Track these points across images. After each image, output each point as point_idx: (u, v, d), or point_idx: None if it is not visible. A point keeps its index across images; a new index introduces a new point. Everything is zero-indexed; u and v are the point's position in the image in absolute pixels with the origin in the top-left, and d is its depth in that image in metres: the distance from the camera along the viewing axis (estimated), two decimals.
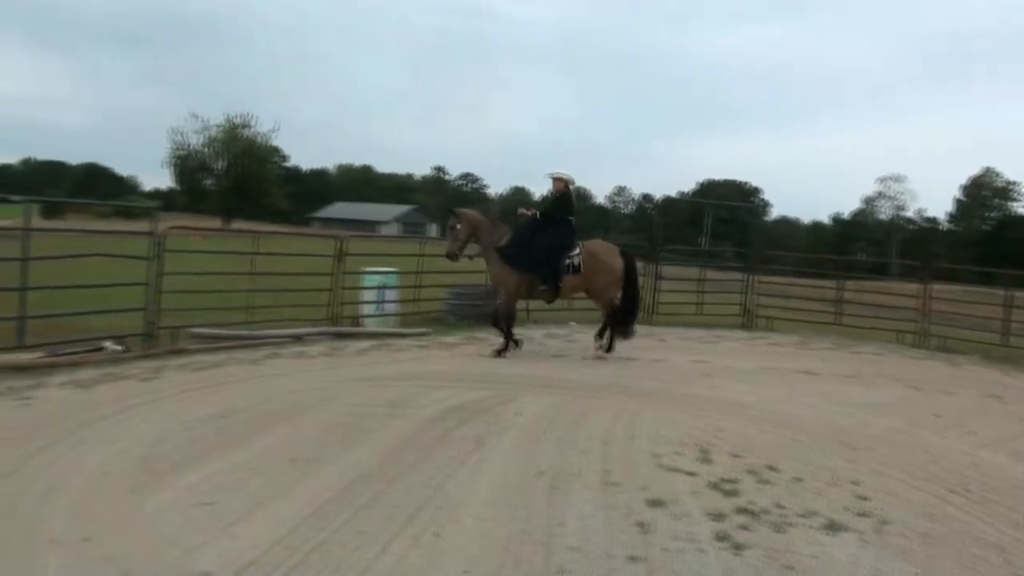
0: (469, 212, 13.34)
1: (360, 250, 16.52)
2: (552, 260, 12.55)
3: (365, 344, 13.27)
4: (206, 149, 73.46)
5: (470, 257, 13.28)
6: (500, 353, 12.59)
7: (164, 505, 5.71)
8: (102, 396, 8.85)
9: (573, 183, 13.16)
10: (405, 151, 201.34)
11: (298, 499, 5.92)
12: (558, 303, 13.98)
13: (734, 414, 9.40)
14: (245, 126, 74.11)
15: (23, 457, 6.60)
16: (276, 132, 76.32)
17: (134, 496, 5.87)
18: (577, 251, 12.75)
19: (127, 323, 11.90)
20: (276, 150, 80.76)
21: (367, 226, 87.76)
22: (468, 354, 12.94)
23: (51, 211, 60.87)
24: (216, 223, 59.95)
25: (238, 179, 72.49)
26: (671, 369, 12.39)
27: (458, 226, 12.91)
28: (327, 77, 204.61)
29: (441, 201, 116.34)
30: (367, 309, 15.50)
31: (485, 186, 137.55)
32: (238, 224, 60.03)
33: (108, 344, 11.28)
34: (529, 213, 13.17)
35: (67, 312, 11.81)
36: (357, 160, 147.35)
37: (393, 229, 79.63)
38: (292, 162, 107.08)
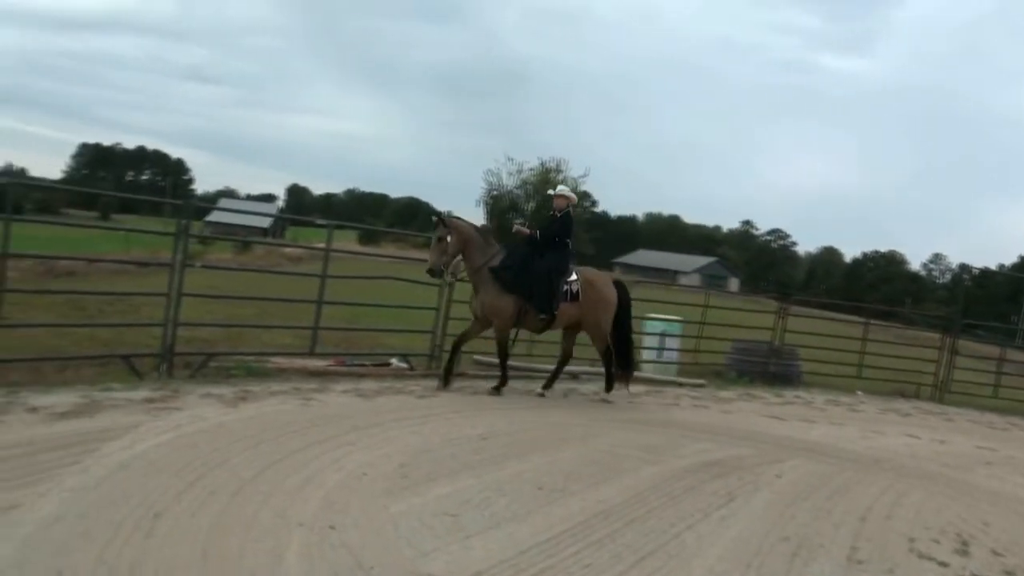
0: (461, 223, 11.32)
1: (645, 296, 16.71)
2: (552, 286, 11.25)
3: (639, 388, 13.30)
4: (518, 191, 77.47)
5: (455, 276, 11.86)
6: (497, 390, 11.46)
7: (410, 510, 6.08)
8: (379, 406, 9.59)
9: (575, 203, 12.09)
10: (713, 203, 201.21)
11: (536, 524, 6.10)
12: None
13: (1007, 509, 8.54)
14: (557, 171, 77.19)
15: (293, 450, 7.29)
16: (585, 178, 78.77)
17: (384, 498, 6.30)
18: (574, 277, 11.52)
19: (415, 343, 12.84)
20: (585, 195, 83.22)
21: (667, 275, 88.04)
22: (741, 410, 12.68)
23: (368, 238, 66.28)
24: None
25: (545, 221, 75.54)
26: (950, 452, 11.45)
27: (448, 238, 10.91)
28: (638, 126, 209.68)
29: (747, 256, 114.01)
30: (646, 355, 15.58)
31: (793, 243, 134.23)
32: None
33: (394, 360, 12.23)
34: (527, 231, 11.84)
35: (361, 328, 12.90)
36: (665, 209, 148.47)
37: (694, 280, 79.25)
38: (600, 207, 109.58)
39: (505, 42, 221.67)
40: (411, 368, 12.14)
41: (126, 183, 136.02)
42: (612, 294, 11.84)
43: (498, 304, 11.11)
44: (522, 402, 11.07)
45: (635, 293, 14.63)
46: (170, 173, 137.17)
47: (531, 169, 77.05)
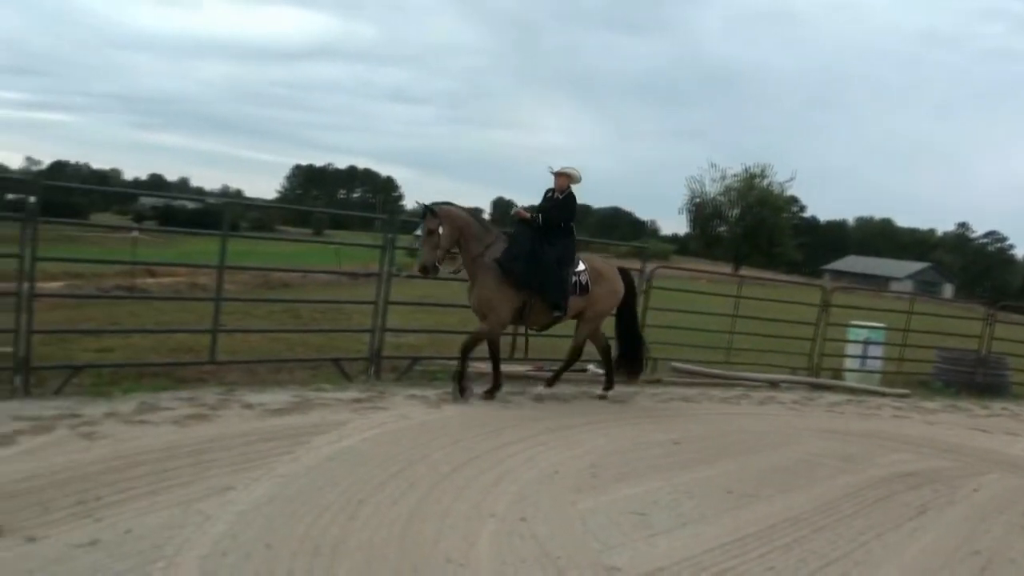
0: (453, 210, 9.91)
1: (847, 302, 16.26)
2: (562, 278, 10.06)
3: (838, 398, 13.03)
4: (722, 197, 76.52)
5: (453, 271, 10.30)
6: (491, 393, 10.11)
7: (598, 507, 6.29)
8: (573, 410, 9.88)
9: (579, 181, 10.44)
10: (927, 203, 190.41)
11: (722, 527, 6.17)
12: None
13: None
14: (761, 176, 75.81)
15: (489, 448, 7.66)
16: (792, 182, 77.06)
17: (574, 494, 6.53)
18: (582, 267, 10.39)
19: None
20: (792, 200, 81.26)
21: (878, 282, 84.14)
22: (944, 421, 12.15)
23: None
24: (726, 269, 61.71)
25: (750, 227, 74.33)
26: None
27: (440, 229, 9.64)
28: (845, 125, 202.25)
29: (963, 261, 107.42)
30: (848, 363, 15.15)
31: (1011, 246, 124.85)
32: (746, 271, 61.35)
33: (591, 367, 12.42)
34: (526, 214, 10.33)
35: (559, 335, 13.14)
36: (877, 212, 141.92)
37: (906, 286, 75.46)
38: (808, 212, 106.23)
39: (706, 46, 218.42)
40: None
41: (338, 200, 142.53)
42: (620, 286, 10.82)
43: (498, 299, 9.84)
44: (717, 409, 11.04)
45: (839, 299, 14.29)
46: (380, 190, 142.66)
47: (735, 175, 76.08)
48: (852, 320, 15.49)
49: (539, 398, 10.34)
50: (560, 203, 10.18)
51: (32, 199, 8.26)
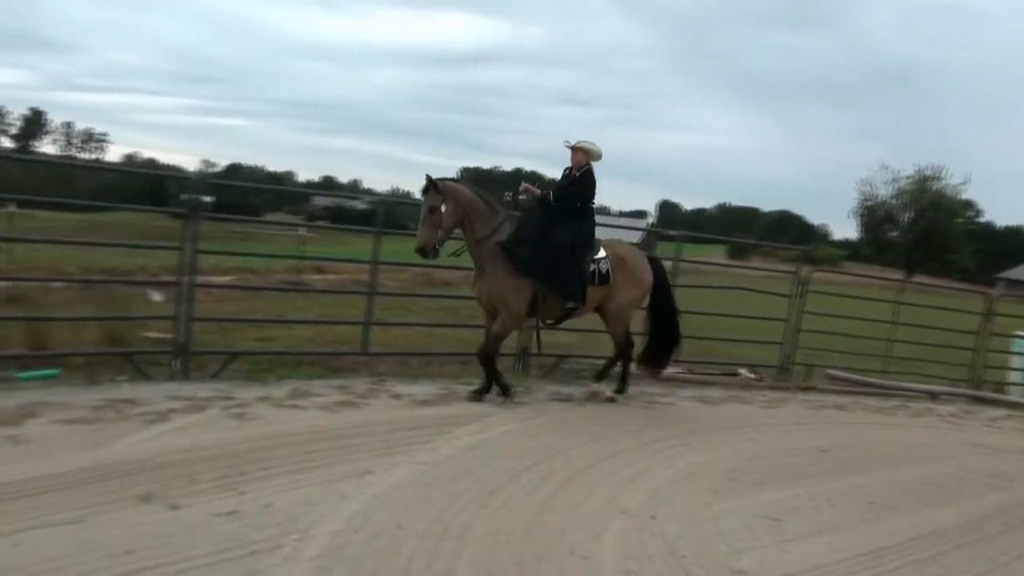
0: (459, 187, 8.89)
1: (1016, 311, 15.42)
2: (578, 266, 9.03)
3: (1000, 412, 12.43)
4: (894, 201, 73.53)
5: (456, 254, 9.31)
6: (479, 395, 9.04)
7: (732, 510, 6.24)
8: (720, 413, 9.78)
9: (599, 159, 9.32)
10: None
11: (859, 537, 6.04)
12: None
13: None
14: (935, 178, 72.46)
15: (628, 447, 7.70)
16: (966, 185, 73.29)
17: (709, 496, 6.51)
18: (603, 254, 9.34)
19: (764, 355, 12.81)
20: (967, 204, 77.30)
21: None
22: None
23: (736, 252, 65.97)
24: (897, 276, 59.52)
25: (923, 233, 71.24)
26: None
27: (443, 207, 8.61)
28: None
29: None
30: (1014, 376, 14.37)
31: None
32: (917, 279, 58.87)
33: (743, 371, 12.30)
34: (537, 192, 9.31)
35: (711, 336, 13.05)
36: None
37: None
38: (985, 217, 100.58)
39: (879, 44, 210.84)
40: (759, 379, 12.13)
41: (504, 203, 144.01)
42: (648, 276, 9.73)
43: (509, 289, 8.85)
44: (870, 418, 10.71)
45: (1007, 308, 13.59)
46: None
47: (907, 177, 72.90)
48: (1017, 331, 14.71)
49: (690, 399, 10.28)
50: (576, 180, 9.16)
51: (196, 197, 8.79)
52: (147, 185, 59.48)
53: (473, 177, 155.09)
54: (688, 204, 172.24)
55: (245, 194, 69.04)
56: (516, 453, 7.04)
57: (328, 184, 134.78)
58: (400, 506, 5.53)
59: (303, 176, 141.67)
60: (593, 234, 9.36)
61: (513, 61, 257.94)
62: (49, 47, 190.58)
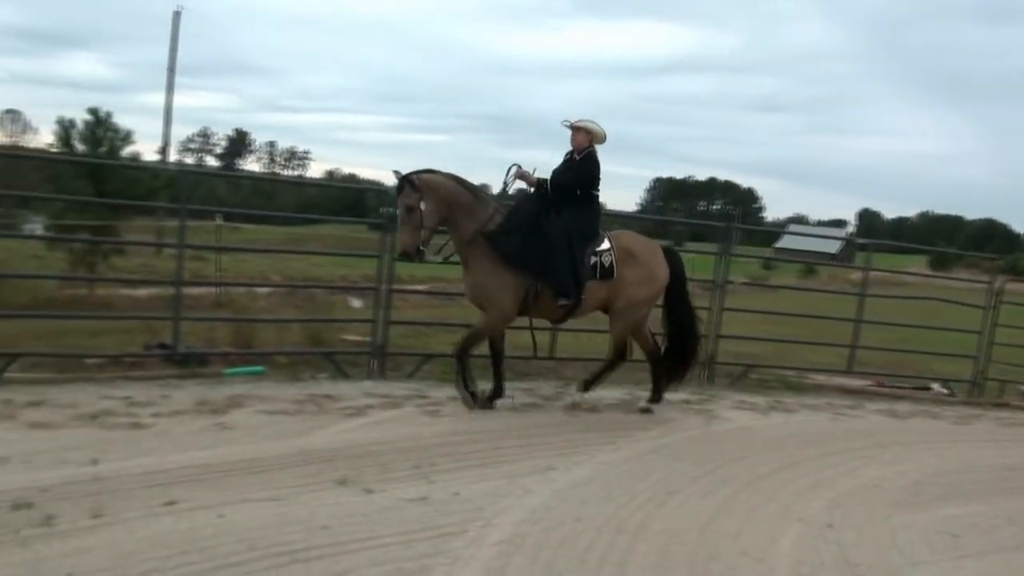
0: (437, 179, 8.04)
1: None
2: (574, 259, 8.14)
3: None
4: None
5: (444, 259, 8.53)
6: (490, 400, 8.45)
7: (911, 523, 6.22)
8: (908, 427, 9.63)
9: (603, 142, 8.48)
10: None
11: None
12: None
13: None
14: None
15: (810, 456, 7.77)
16: None
17: (890, 509, 6.49)
18: (607, 245, 8.44)
19: (956, 368, 12.46)
20: None
21: None
22: None
23: (938, 262, 63.37)
24: None
25: None
26: None
27: (422, 205, 7.83)
28: None
29: None
30: None
31: None
32: None
33: (935, 386, 12.00)
34: (533, 178, 8.48)
35: (900, 348, 12.80)
36: None
37: None
38: None
39: None
40: (951, 394, 11.80)
41: (698, 212, 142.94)
42: (661, 270, 8.78)
43: (495, 285, 8.11)
44: None
45: None
46: (740, 202, 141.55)
47: None
48: None
49: (878, 412, 10.17)
50: (576, 165, 8.37)
51: (393, 209, 9.39)
52: (348, 199, 61.95)
53: (666, 187, 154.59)
54: (890, 212, 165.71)
55: None
56: (696, 458, 7.26)
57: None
58: (580, 502, 5.86)
59: (497, 188, 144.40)
60: (596, 225, 8.51)
61: (705, 68, 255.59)
62: (253, 72, 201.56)
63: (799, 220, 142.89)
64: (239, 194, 61.86)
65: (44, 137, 79.16)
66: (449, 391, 8.60)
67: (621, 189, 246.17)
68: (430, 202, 7.84)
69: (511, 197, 8.92)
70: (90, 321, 13.12)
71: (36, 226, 24.11)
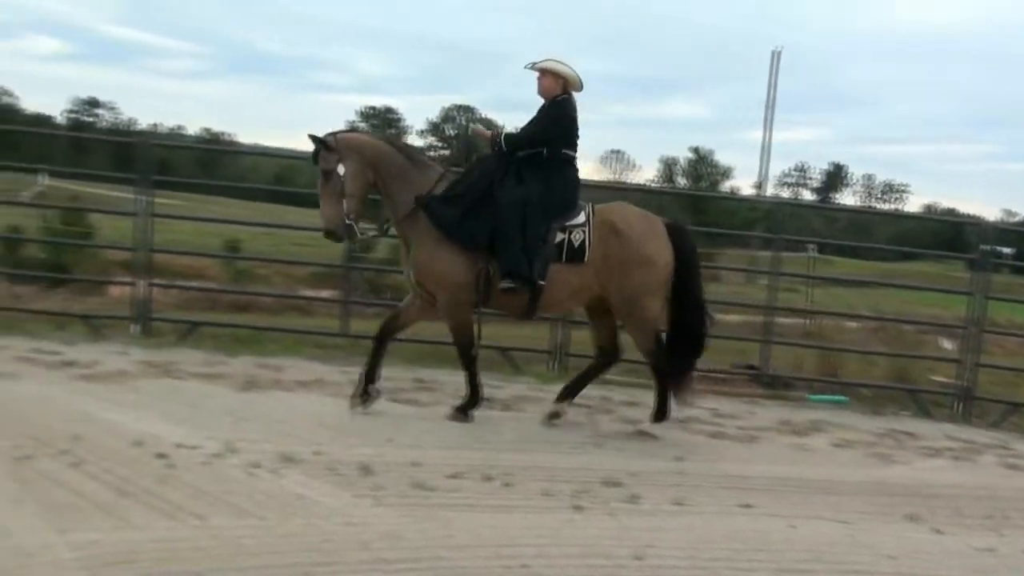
0: (360, 137, 6.81)
1: None
2: (527, 233, 6.38)
3: None
4: None
5: (381, 232, 7.23)
6: (464, 411, 6.87)
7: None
8: None
9: (579, 88, 6.72)
10: None
11: None
12: None
13: None
14: None
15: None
16: None
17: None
18: (582, 219, 6.61)
19: None
20: None
21: None
22: None
23: None
24: None
25: None
26: None
27: (339, 168, 6.40)
28: None
29: None
30: None
31: None
32: None
33: None
34: (487, 132, 7.06)
35: None
36: None
37: None
38: None
39: None
40: None
41: None
42: (661, 249, 6.76)
43: (441, 265, 6.60)
44: None
45: None
46: None
47: None
48: None
49: None
50: (543, 114, 6.77)
51: (991, 247, 9.14)
52: (945, 233, 59.09)
53: None
54: None
55: None
56: None
57: None
58: None
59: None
60: (570, 195, 6.81)
61: None
62: (847, 103, 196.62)
63: None
64: (834, 227, 61.73)
65: (645, 173, 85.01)
66: None
67: None
68: (351, 164, 6.59)
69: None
70: None
71: None
